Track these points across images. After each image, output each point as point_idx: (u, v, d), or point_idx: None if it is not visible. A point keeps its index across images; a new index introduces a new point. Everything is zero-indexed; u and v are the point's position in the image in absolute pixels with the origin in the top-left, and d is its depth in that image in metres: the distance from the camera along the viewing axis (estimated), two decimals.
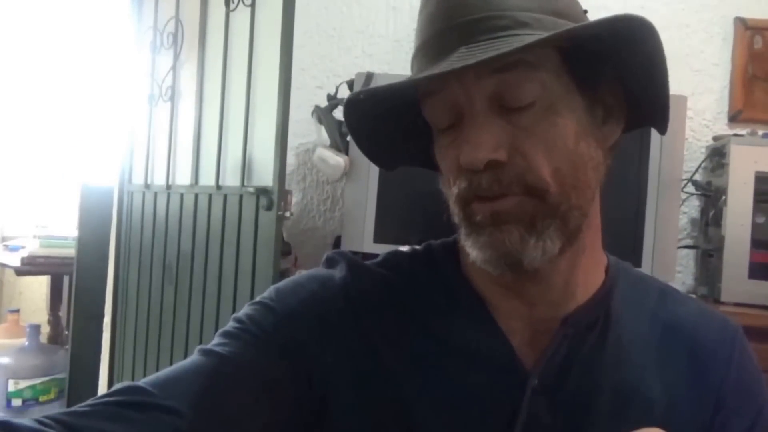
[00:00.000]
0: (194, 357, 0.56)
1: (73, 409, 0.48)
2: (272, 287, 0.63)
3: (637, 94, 0.57)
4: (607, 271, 0.63)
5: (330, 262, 0.66)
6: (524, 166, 0.52)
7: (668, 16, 1.93)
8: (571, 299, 0.59)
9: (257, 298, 0.62)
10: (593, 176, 0.56)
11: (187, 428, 0.50)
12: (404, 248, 0.69)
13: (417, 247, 0.67)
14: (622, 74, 0.56)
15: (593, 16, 0.53)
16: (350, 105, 0.59)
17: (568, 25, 0.52)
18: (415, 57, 0.57)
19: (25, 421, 0.44)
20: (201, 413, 0.51)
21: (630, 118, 0.59)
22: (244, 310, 0.61)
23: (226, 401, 0.53)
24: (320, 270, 0.65)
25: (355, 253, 1.53)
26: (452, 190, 0.56)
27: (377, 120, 0.60)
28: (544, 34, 0.49)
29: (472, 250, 0.55)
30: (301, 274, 0.66)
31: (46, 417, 0.46)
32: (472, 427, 0.56)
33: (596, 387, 0.57)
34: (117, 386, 0.52)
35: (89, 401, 0.50)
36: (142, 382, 0.52)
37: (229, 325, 0.59)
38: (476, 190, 0.53)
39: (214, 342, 0.57)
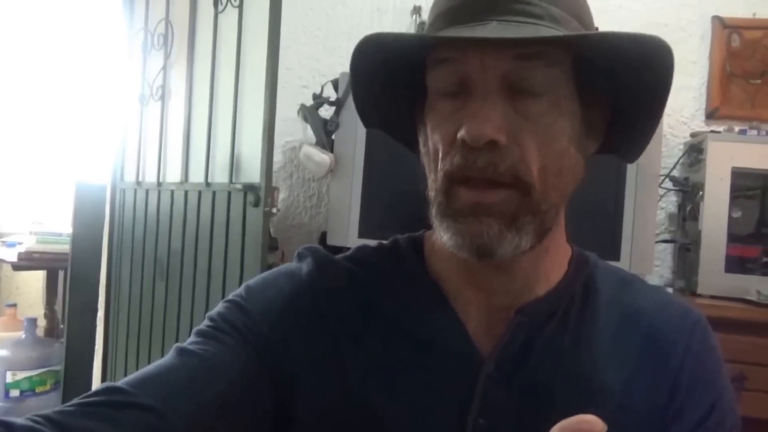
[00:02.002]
0: (170, 356, 0.58)
1: (59, 408, 0.51)
2: (244, 285, 0.65)
3: (623, 120, 0.59)
4: (570, 263, 0.64)
5: (300, 257, 0.67)
6: (518, 156, 0.52)
7: (646, 14, 1.94)
8: (530, 292, 0.60)
9: (230, 296, 0.64)
10: (571, 182, 0.57)
11: (162, 424, 0.52)
12: (372, 243, 0.69)
13: (384, 241, 0.68)
14: (620, 99, 0.57)
15: None
16: (365, 45, 0.57)
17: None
18: (432, 24, 0.57)
19: (20, 420, 0.47)
20: (175, 410, 0.53)
21: (604, 143, 0.61)
22: (217, 309, 0.63)
23: (200, 398, 0.55)
24: (290, 265, 0.67)
25: (339, 248, 1.57)
26: (441, 164, 0.55)
27: (377, 69, 0.60)
28: (583, 32, 0.52)
29: (446, 234, 0.55)
30: (271, 270, 0.68)
31: (37, 415, 0.48)
32: (429, 414, 0.57)
33: (554, 374, 0.57)
34: (97, 387, 0.54)
35: (73, 401, 0.52)
36: (120, 382, 0.54)
37: (204, 324, 0.61)
38: (470, 169, 0.52)
39: (190, 340, 0.59)
